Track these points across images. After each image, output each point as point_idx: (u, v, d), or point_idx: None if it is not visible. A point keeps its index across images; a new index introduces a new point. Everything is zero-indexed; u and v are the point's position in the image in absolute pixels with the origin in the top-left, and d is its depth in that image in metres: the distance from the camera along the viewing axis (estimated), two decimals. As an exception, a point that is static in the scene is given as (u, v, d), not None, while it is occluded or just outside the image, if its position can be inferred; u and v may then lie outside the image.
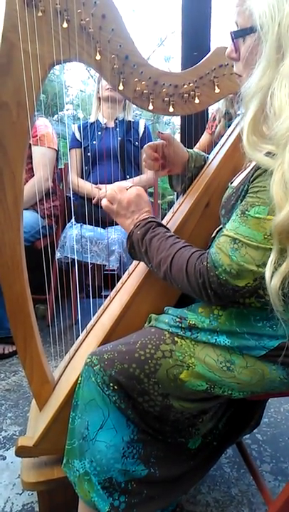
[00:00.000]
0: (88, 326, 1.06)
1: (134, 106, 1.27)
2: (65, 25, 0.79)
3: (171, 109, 0.92)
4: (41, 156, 1.85)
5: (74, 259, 1.83)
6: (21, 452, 0.93)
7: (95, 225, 1.83)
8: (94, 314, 1.08)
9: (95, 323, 1.03)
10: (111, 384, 0.78)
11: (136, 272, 1.00)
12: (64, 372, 1.02)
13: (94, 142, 1.97)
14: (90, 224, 1.84)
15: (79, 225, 1.86)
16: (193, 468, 0.91)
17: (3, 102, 0.80)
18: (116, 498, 0.80)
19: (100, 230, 1.83)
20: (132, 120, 2.04)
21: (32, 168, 1.87)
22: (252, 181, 0.71)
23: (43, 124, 1.89)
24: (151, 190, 2.20)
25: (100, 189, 1.87)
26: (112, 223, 1.62)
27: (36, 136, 1.83)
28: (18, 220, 0.88)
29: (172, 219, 1.00)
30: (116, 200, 0.90)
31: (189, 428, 0.88)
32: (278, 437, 1.33)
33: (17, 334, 0.94)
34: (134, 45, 0.85)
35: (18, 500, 1.08)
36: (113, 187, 0.91)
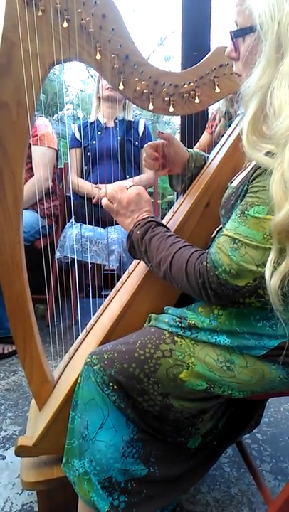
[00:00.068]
0: (88, 326, 1.06)
1: (134, 106, 1.27)
2: (65, 24, 0.79)
3: (171, 109, 0.92)
4: (41, 156, 1.85)
5: (74, 259, 1.83)
6: (21, 452, 0.93)
7: (95, 225, 1.83)
8: (94, 314, 1.08)
9: (95, 322, 1.03)
10: (111, 383, 0.78)
11: (136, 272, 1.00)
12: (64, 372, 1.02)
13: (94, 142, 1.97)
14: (90, 224, 1.84)
15: (79, 224, 1.86)
16: (193, 467, 0.91)
17: (3, 102, 0.80)
18: (116, 497, 0.80)
19: (99, 229, 1.83)
20: (132, 120, 2.04)
21: (32, 167, 1.87)
22: (252, 181, 0.71)
23: (43, 124, 1.89)
24: (151, 189, 2.20)
25: (100, 189, 1.87)
26: (111, 223, 1.62)
27: (36, 135, 1.83)
28: (18, 219, 0.88)
29: (172, 219, 1.00)
30: (116, 200, 0.90)
31: (189, 427, 0.88)
32: (278, 437, 1.33)
33: (17, 334, 0.94)
34: (134, 44, 0.85)
35: (18, 500, 1.08)
36: (113, 186, 0.91)
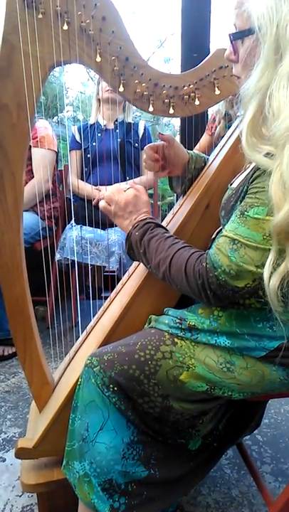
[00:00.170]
0: (88, 328, 1.05)
1: (134, 107, 1.28)
2: (65, 27, 0.79)
3: (171, 111, 0.92)
4: (41, 158, 1.85)
5: (74, 261, 1.83)
6: (21, 454, 0.93)
7: (95, 227, 1.84)
8: (94, 315, 1.08)
9: (95, 324, 1.03)
10: (111, 385, 0.78)
11: (136, 273, 1.00)
12: (64, 374, 1.02)
13: (94, 144, 1.98)
14: (90, 225, 1.84)
15: (79, 226, 1.86)
16: (193, 469, 0.91)
17: (4, 104, 0.80)
18: (116, 499, 0.79)
19: (99, 231, 1.84)
20: (132, 122, 2.04)
21: (32, 169, 1.87)
22: (251, 182, 0.71)
23: (43, 126, 1.90)
24: (151, 191, 2.20)
25: (100, 190, 1.87)
26: (112, 225, 1.62)
27: (36, 137, 1.84)
28: (18, 221, 0.88)
29: (172, 220, 1.00)
30: (113, 202, 0.90)
31: (189, 429, 0.88)
32: (278, 438, 1.33)
33: (17, 336, 0.94)
34: (134, 46, 0.85)
35: (18, 503, 1.08)
36: (111, 189, 0.92)
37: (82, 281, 2.06)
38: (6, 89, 0.79)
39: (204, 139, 2.15)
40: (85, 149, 2.01)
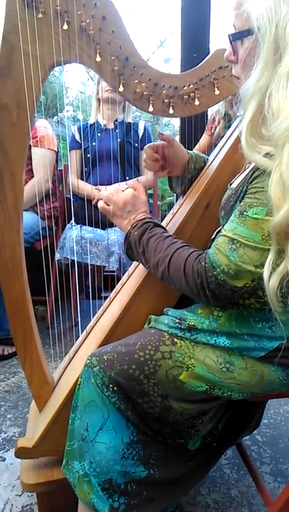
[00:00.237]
0: (88, 327, 1.06)
1: (134, 107, 1.28)
2: (65, 26, 0.79)
3: (171, 111, 0.92)
4: (41, 158, 1.85)
5: (74, 261, 1.83)
6: (21, 453, 0.93)
7: (95, 227, 1.84)
8: (93, 315, 1.08)
9: (95, 324, 1.03)
10: (110, 385, 0.78)
11: (135, 273, 1.01)
12: (64, 374, 1.02)
13: (93, 143, 1.98)
14: (90, 225, 1.84)
15: (79, 226, 1.86)
16: (192, 469, 0.91)
17: (4, 104, 0.80)
18: (115, 499, 0.80)
19: (99, 231, 1.84)
20: (132, 121, 2.04)
21: (32, 169, 1.87)
22: (250, 182, 0.71)
23: (43, 126, 1.90)
24: (150, 191, 2.20)
25: (100, 190, 1.85)
26: (111, 224, 1.62)
27: (36, 137, 1.83)
28: (18, 221, 0.88)
29: (172, 220, 1.00)
30: (112, 202, 0.90)
31: (189, 429, 0.88)
32: (278, 438, 1.33)
33: (17, 335, 0.94)
34: (134, 46, 0.85)
35: (18, 502, 1.08)
36: (110, 189, 0.92)
37: (82, 281, 2.06)
38: (5, 89, 0.79)
39: (204, 139, 2.15)
40: (84, 149, 2.01)
